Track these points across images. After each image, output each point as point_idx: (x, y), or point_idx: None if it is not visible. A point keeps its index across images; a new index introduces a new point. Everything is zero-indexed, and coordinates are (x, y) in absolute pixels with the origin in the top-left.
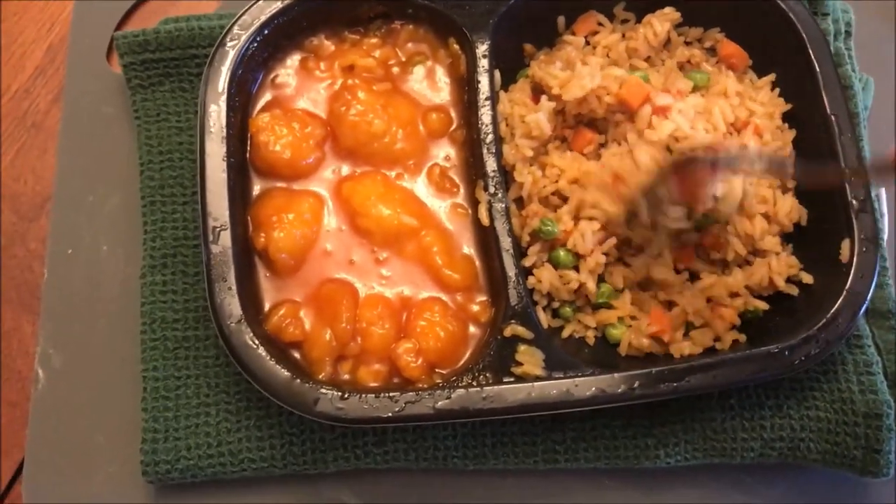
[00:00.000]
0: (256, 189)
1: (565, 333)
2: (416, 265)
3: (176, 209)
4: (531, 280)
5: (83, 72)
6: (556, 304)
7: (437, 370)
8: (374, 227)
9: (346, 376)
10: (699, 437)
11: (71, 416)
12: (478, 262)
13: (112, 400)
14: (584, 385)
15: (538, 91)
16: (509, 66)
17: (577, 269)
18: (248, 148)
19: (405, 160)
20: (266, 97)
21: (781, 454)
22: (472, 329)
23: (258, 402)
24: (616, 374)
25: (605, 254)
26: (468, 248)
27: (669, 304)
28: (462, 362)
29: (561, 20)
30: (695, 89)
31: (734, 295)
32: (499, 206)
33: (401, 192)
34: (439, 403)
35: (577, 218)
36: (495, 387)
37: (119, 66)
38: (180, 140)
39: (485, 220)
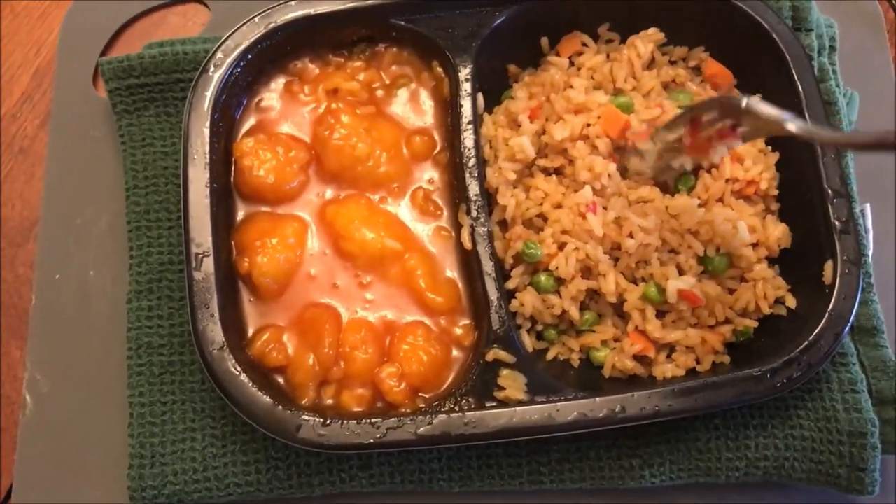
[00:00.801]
0: (240, 214)
1: (550, 356)
2: (400, 289)
3: (161, 234)
4: (514, 303)
5: (70, 97)
6: (539, 327)
7: (420, 394)
8: (357, 251)
9: (330, 401)
10: (684, 458)
11: (59, 441)
12: (461, 286)
13: (99, 425)
14: (566, 409)
15: None
16: (493, 88)
17: (558, 293)
18: (233, 172)
19: (389, 183)
20: (250, 121)
21: (766, 473)
22: (456, 353)
23: (243, 427)
24: (598, 398)
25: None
26: (452, 272)
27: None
28: (445, 386)
29: (545, 41)
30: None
31: (721, 323)
32: (481, 230)
33: (384, 215)
34: (421, 429)
35: (559, 243)
36: (477, 412)
37: (105, 91)
38: (165, 165)
39: (467, 244)
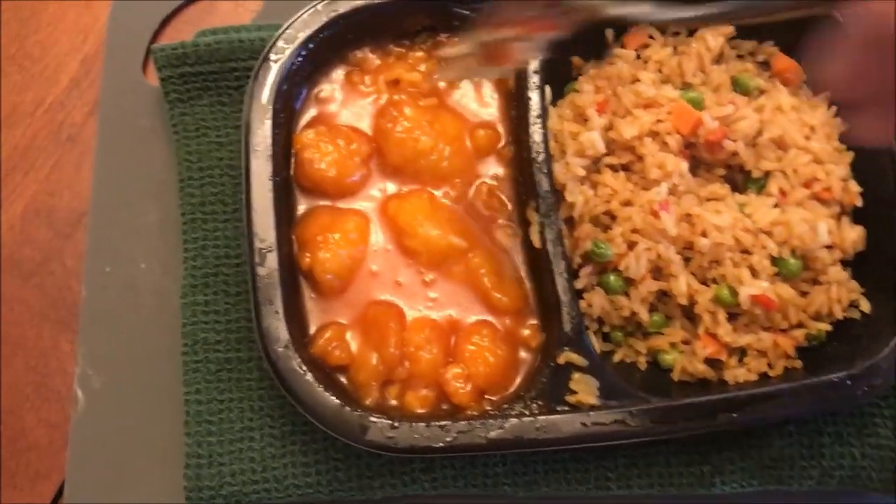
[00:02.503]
0: (300, 208)
1: (616, 358)
2: (464, 287)
3: (217, 227)
4: (582, 304)
5: (118, 84)
6: (606, 329)
7: (486, 396)
8: (420, 248)
9: (394, 401)
10: (756, 465)
11: (111, 438)
12: (528, 285)
13: (153, 422)
14: (641, 414)
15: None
16: (556, 80)
17: (627, 294)
18: (292, 165)
19: (452, 178)
20: (311, 113)
21: (841, 482)
22: (523, 354)
23: (303, 427)
24: (674, 404)
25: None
26: (518, 270)
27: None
28: (513, 389)
29: (609, 32)
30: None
31: (794, 327)
32: (552, 228)
33: (448, 211)
34: (492, 433)
35: (629, 242)
36: (550, 416)
37: (157, 79)
38: (220, 156)
39: (537, 243)
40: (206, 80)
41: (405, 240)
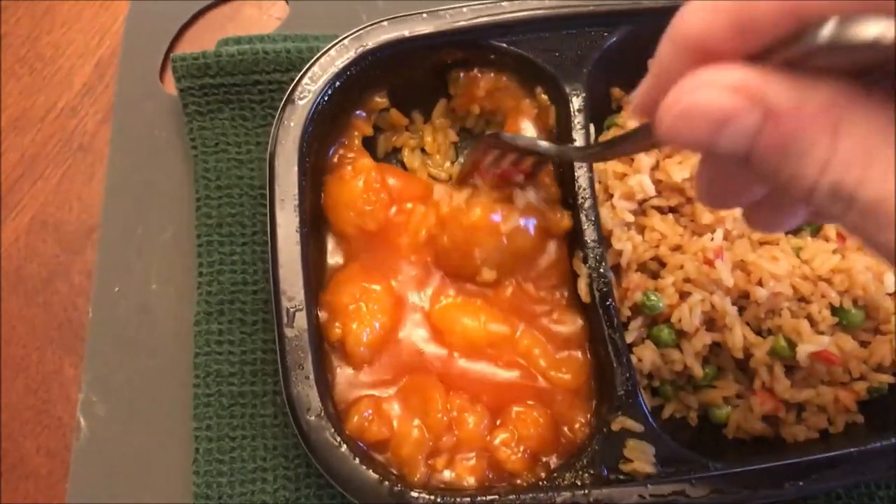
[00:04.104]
0: (329, 262)
1: (665, 414)
2: (513, 368)
3: (234, 250)
4: (632, 359)
5: (134, 91)
6: (656, 383)
7: (541, 459)
8: (459, 342)
9: (443, 474)
10: None
11: (115, 470)
12: (585, 354)
13: (160, 454)
14: (703, 485)
15: None
16: (597, 114)
17: (679, 347)
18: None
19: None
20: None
21: None
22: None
23: (318, 469)
24: (736, 470)
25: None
26: (571, 341)
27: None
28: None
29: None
30: None
31: (855, 379)
32: (602, 280)
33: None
34: None
35: (681, 292)
36: (604, 489)
37: (175, 88)
38: (240, 174)
39: (585, 297)
40: (228, 92)
41: (442, 336)
